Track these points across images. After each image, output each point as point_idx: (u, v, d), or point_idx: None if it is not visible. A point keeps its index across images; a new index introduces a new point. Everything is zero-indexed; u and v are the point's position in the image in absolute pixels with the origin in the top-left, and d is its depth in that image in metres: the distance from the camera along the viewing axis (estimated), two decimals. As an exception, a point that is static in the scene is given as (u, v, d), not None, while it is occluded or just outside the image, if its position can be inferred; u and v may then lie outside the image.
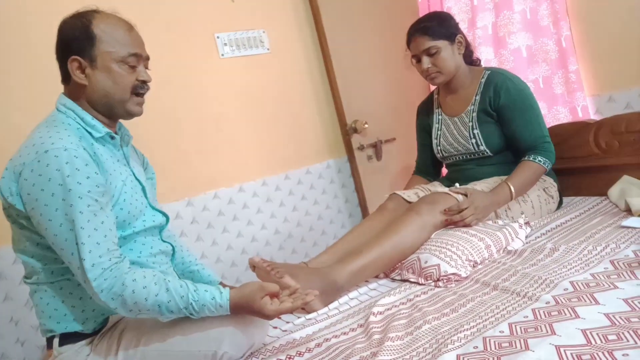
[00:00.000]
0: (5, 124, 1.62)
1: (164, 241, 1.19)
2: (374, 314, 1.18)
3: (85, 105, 1.07)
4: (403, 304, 1.23)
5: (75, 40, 1.03)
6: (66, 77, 1.07)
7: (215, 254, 2.04)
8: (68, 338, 1.05)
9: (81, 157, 0.97)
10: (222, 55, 2.08)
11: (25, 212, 0.97)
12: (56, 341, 1.05)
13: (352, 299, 1.36)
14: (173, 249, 1.23)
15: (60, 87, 1.11)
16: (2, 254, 1.61)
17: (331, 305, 1.32)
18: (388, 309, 1.20)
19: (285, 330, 1.23)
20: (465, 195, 1.53)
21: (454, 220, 1.48)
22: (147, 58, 1.12)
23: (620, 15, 1.82)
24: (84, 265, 0.93)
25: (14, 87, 1.65)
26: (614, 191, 1.67)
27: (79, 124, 1.05)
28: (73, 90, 1.07)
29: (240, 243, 2.10)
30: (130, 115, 1.11)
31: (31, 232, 1.01)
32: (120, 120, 1.18)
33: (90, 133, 1.06)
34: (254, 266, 1.35)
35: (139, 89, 1.09)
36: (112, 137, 1.10)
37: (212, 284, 1.26)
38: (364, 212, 2.37)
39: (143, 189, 1.16)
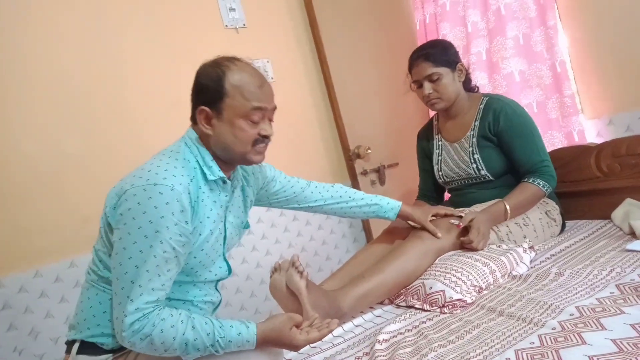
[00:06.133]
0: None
1: (217, 290, 1.20)
2: (379, 341, 1.17)
3: (208, 148, 1.10)
4: (408, 331, 1.22)
5: (207, 90, 1.06)
6: (194, 118, 1.11)
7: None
8: (87, 348, 1.05)
9: (181, 202, 0.97)
10: (227, 84, 2.12)
11: (112, 227, 0.99)
12: (76, 346, 1.05)
13: (357, 326, 1.35)
14: (219, 302, 1.23)
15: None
16: (7, 283, 1.62)
17: (336, 333, 1.31)
18: (393, 337, 1.20)
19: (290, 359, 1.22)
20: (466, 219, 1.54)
21: (465, 247, 1.50)
22: (274, 109, 1.13)
23: (619, 38, 1.85)
24: (127, 306, 0.92)
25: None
26: (617, 214, 1.67)
27: (198, 162, 1.07)
28: (198, 133, 1.11)
29: (245, 269, 2.10)
30: (250, 163, 1.13)
31: (109, 243, 1.02)
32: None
33: (204, 174, 1.07)
34: (275, 270, 1.33)
35: (259, 142, 1.11)
36: (224, 182, 1.12)
37: (394, 209, 1.51)
38: (368, 236, 2.37)
39: (225, 238, 1.15)
